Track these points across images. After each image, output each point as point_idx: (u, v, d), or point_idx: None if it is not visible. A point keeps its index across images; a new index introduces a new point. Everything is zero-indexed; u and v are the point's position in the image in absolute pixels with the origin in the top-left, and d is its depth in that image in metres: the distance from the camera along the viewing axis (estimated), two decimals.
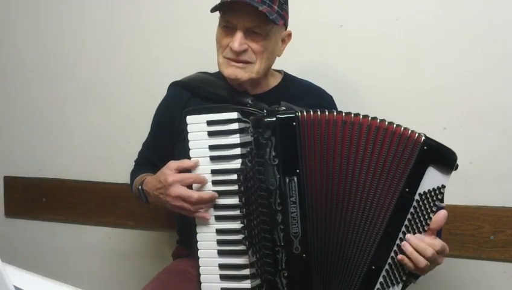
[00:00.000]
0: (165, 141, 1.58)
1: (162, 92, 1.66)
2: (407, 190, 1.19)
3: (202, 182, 1.32)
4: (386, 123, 1.20)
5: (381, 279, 1.21)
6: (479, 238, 1.71)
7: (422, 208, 1.19)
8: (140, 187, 1.49)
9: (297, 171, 1.18)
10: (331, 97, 1.63)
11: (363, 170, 1.20)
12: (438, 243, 1.20)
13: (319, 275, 1.22)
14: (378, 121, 1.20)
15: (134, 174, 1.65)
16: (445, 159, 1.19)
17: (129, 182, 1.67)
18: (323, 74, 1.76)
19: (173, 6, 1.95)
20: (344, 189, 1.21)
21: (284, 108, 1.31)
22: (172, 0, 1.96)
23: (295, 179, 1.18)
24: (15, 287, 0.86)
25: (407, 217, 1.19)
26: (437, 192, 1.19)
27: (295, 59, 1.72)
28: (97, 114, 2.10)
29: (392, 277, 1.21)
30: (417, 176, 1.18)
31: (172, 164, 1.35)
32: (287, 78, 1.62)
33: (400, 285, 1.22)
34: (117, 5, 2.03)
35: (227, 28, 1.42)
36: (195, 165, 1.32)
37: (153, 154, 1.65)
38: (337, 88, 1.71)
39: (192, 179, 1.32)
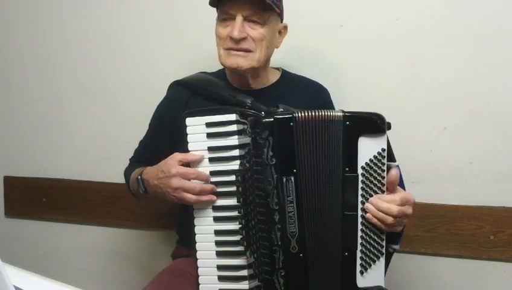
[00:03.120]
0: (164, 140, 1.58)
1: (162, 92, 1.67)
2: (347, 169, 1.20)
3: (204, 180, 1.32)
4: (312, 113, 1.20)
5: (359, 261, 1.21)
6: (479, 238, 1.71)
7: (371, 178, 1.20)
8: (140, 177, 1.48)
9: (295, 171, 1.18)
10: (327, 92, 1.66)
11: (326, 163, 1.20)
12: (397, 197, 1.20)
13: (315, 274, 1.22)
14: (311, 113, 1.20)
15: (129, 170, 1.64)
16: (371, 126, 1.20)
17: (125, 180, 1.66)
18: (323, 74, 1.76)
19: (173, 6, 1.95)
20: (325, 186, 1.21)
21: (281, 109, 1.31)
22: (172, 0, 1.96)
23: (292, 178, 1.18)
24: (15, 287, 0.85)
25: (360, 194, 1.20)
26: (379, 158, 1.20)
27: (295, 59, 1.72)
28: (97, 114, 2.11)
29: (370, 254, 1.22)
30: (351, 152, 1.19)
31: (177, 156, 1.35)
32: (286, 75, 1.65)
33: (382, 258, 1.22)
34: (117, 5, 2.03)
35: (226, 20, 1.46)
36: (200, 160, 1.33)
37: (151, 153, 1.64)
38: (337, 88, 1.71)
39: (195, 175, 1.32)
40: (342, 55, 1.80)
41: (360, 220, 1.21)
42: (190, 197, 1.31)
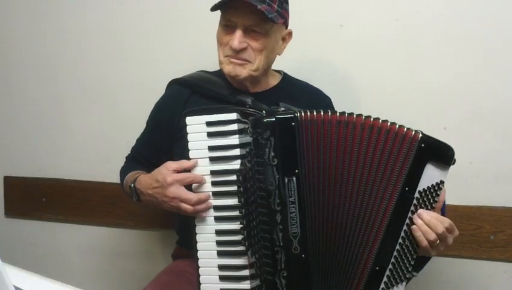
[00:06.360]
0: (162, 138, 1.57)
1: (162, 92, 1.66)
2: (407, 189, 1.19)
3: (201, 182, 1.32)
4: (380, 121, 1.20)
5: (385, 279, 1.21)
6: (479, 238, 1.71)
7: (423, 205, 1.20)
8: (132, 185, 1.47)
9: (296, 171, 1.18)
10: (329, 99, 1.64)
11: (358, 169, 1.20)
12: (446, 220, 1.21)
13: (318, 275, 1.22)
14: (372, 119, 1.20)
15: (125, 170, 1.64)
16: (443, 156, 1.20)
17: (120, 180, 1.66)
18: (323, 74, 1.76)
19: (173, 6, 1.95)
20: (340, 189, 1.21)
21: (283, 109, 1.31)
22: (172, 0, 1.96)
23: (294, 179, 1.18)
24: (15, 287, 0.85)
25: (408, 216, 1.20)
26: (436, 188, 1.20)
27: (295, 59, 1.72)
28: (97, 114, 2.10)
29: (396, 276, 1.22)
30: (416, 175, 1.19)
31: (171, 165, 1.34)
32: (286, 79, 1.63)
33: (404, 283, 1.22)
34: (117, 5, 2.03)
35: (227, 27, 1.44)
36: (194, 166, 1.32)
37: (148, 150, 1.64)
38: (337, 88, 1.71)
39: (191, 178, 1.32)
40: (341, 55, 1.79)
41: (399, 241, 1.20)
42: (187, 207, 1.31)
